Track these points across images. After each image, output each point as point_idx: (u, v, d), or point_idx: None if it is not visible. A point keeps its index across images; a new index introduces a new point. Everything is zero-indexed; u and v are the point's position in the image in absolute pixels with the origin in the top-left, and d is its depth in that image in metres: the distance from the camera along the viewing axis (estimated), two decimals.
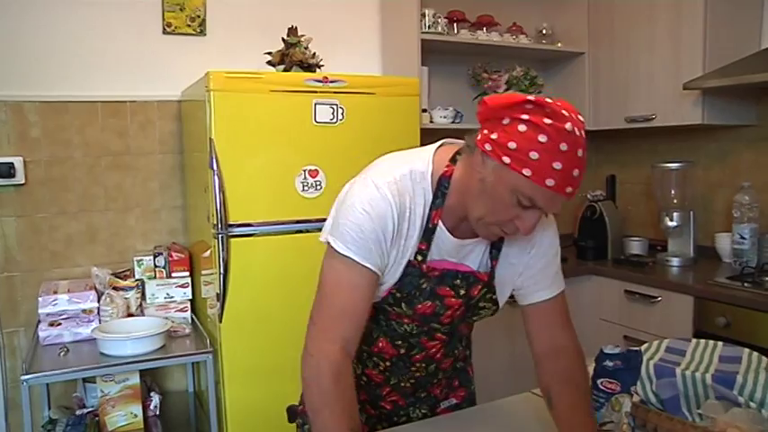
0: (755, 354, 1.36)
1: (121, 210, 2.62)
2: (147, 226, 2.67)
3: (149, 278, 2.44)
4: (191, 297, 2.45)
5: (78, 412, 2.25)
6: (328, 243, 1.21)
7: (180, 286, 2.43)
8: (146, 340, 2.09)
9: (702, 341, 1.45)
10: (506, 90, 3.06)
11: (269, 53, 2.50)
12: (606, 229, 3.09)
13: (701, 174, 3.07)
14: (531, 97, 1.08)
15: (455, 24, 3.10)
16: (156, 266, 2.46)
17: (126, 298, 2.34)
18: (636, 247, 3.13)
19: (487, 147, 1.09)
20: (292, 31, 2.49)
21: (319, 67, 2.47)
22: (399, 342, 1.34)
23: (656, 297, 2.63)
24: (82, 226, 2.56)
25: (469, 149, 1.16)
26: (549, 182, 1.05)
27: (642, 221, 3.40)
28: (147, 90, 2.64)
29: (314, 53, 2.46)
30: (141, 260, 2.46)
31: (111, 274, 2.42)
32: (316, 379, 1.16)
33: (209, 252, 2.21)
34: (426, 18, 2.86)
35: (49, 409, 2.40)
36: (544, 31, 3.34)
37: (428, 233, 1.22)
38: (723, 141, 3.00)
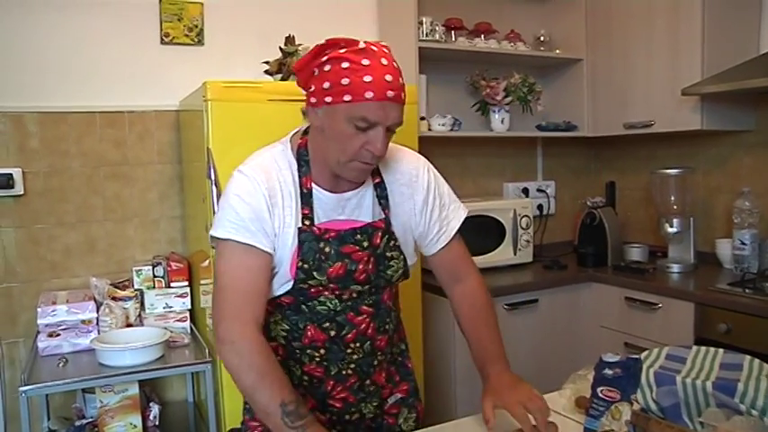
0: (757, 361, 1.35)
1: (120, 220, 2.63)
2: (146, 236, 2.67)
3: (148, 288, 2.44)
4: (190, 307, 2.45)
5: (78, 423, 2.24)
6: (212, 237, 1.29)
7: (179, 296, 2.43)
8: (145, 350, 2.09)
9: (703, 348, 1.45)
10: (505, 98, 3.06)
11: (266, 62, 2.51)
12: (606, 235, 3.08)
13: (700, 179, 3.08)
14: (323, 41, 1.23)
15: (453, 32, 3.11)
16: (155, 276, 2.46)
17: (125, 308, 2.34)
18: (636, 253, 3.12)
19: (312, 99, 1.25)
20: (290, 40, 2.50)
21: None
22: (327, 324, 1.37)
23: (657, 304, 2.63)
24: (80, 236, 2.56)
25: (305, 115, 1.31)
26: (368, 94, 1.18)
27: (642, 228, 3.40)
28: (145, 100, 2.64)
29: None
30: (140, 270, 2.46)
31: (110, 285, 2.42)
32: (246, 359, 1.22)
33: (207, 262, 2.21)
34: (424, 26, 2.87)
35: (49, 419, 2.40)
36: (542, 38, 3.35)
37: (305, 197, 1.32)
38: (722, 147, 3.01)
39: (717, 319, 2.38)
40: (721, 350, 1.43)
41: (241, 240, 1.25)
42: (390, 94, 1.19)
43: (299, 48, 2.46)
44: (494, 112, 3.12)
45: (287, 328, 1.38)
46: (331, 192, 1.34)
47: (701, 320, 2.45)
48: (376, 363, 1.44)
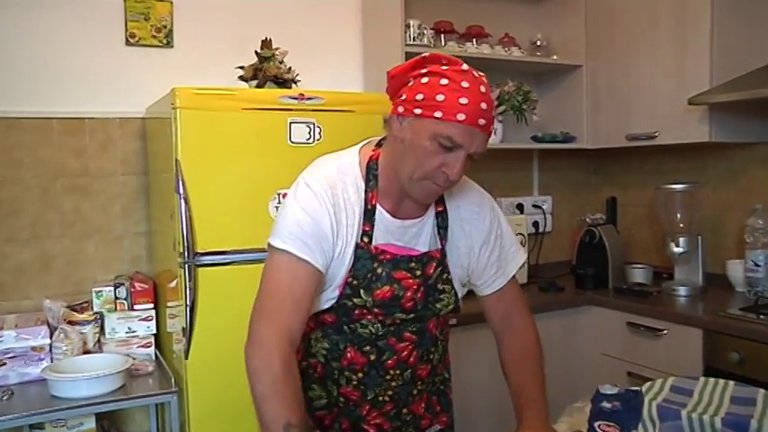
0: None
1: (79, 236, 2.61)
2: (108, 254, 2.66)
3: (109, 311, 2.42)
4: (155, 331, 2.43)
5: None
6: (269, 245, 1.36)
7: (143, 320, 2.41)
8: (103, 380, 2.07)
9: (712, 380, 1.45)
10: (497, 107, 3.08)
11: (241, 67, 2.51)
12: (607, 255, 3.10)
13: (709, 195, 3.09)
14: (425, 54, 1.31)
15: (442, 36, 3.13)
16: (116, 298, 2.44)
17: (82, 333, 2.31)
18: (639, 275, 3.14)
19: (399, 109, 1.31)
20: (266, 43, 2.50)
21: (295, 83, 2.49)
22: (368, 348, 1.42)
23: (662, 330, 2.64)
24: (34, 254, 2.53)
25: (388, 124, 1.37)
26: (461, 116, 1.24)
27: (646, 247, 3.41)
28: (108, 106, 2.64)
29: (289, 67, 2.48)
30: (100, 291, 2.44)
31: (67, 307, 2.39)
32: (267, 367, 1.28)
33: (175, 282, 2.20)
34: (411, 29, 2.89)
35: None
36: (539, 43, 3.37)
37: (369, 215, 1.38)
38: (733, 160, 3.03)
39: (728, 348, 2.38)
40: (732, 382, 1.43)
41: (297, 254, 1.32)
42: (482, 122, 1.26)
43: (277, 52, 2.47)
44: None
45: (327, 347, 1.45)
46: (393, 215, 1.40)
47: (711, 349, 2.45)
48: (416, 392, 1.49)
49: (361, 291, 1.38)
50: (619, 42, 3.12)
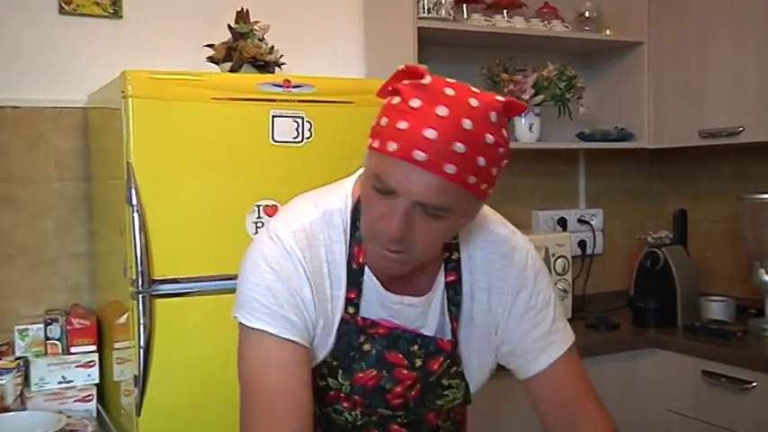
0: None
1: None
2: (37, 282, 2.67)
3: (37, 355, 2.44)
4: (97, 381, 2.46)
5: None
6: (238, 322, 1.32)
7: (82, 365, 2.44)
8: None
9: None
10: (534, 96, 3.12)
11: (210, 46, 2.52)
12: (674, 284, 3.11)
13: None
14: (403, 66, 1.22)
15: (465, 7, 3.18)
16: (48, 339, 2.46)
17: (0, 385, 2.32)
18: (717, 309, 3.13)
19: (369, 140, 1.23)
20: (242, 15, 2.51)
21: (279, 67, 2.51)
22: None
23: (750, 382, 2.64)
24: None
25: None
26: (391, 146, 1.14)
27: (726, 274, 3.43)
28: (38, 92, 2.65)
29: (272, 47, 2.49)
30: (26, 330, 2.46)
31: None
32: None
33: (125, 317, 2.22)
34: None
35: None
36: (587, 14, 3.40)
37: (354, 276, 1.33)
38: None
39: None
40: None
41: (276, 333, 1.27)
42: (420, 156, 1.12)
43: (256, 27, 2.49)
44: (519, 115, 3.17)
45: None
46: (383, 285, 1.35)
47: None
48: None
49: (340, 372, 1.35)
50: (692, 14, 3.14)
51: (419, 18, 2.88)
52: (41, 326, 2.48)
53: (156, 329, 2.14)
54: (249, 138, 2.24)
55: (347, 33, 3.15)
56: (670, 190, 3.71)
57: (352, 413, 1.38)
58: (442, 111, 1.13)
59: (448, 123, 1.12)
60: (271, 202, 2.26)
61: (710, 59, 3.08)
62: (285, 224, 1.33)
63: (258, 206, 2.24)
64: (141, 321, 2.13)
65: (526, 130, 3.19)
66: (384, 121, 1.18)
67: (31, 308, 2.65)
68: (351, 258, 1.33)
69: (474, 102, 1.16)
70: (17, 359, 2.42)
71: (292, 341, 1.27)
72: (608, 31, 3.41)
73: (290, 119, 2.27)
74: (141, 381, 2.13)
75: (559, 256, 3.11)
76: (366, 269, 1.33)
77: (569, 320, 3.03)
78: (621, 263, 3.68)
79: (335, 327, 1.33)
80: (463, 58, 3.27)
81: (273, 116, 2.25)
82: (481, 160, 1.15)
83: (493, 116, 1.17)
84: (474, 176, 1.16)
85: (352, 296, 1.33)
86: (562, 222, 3.58)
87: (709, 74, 3.09)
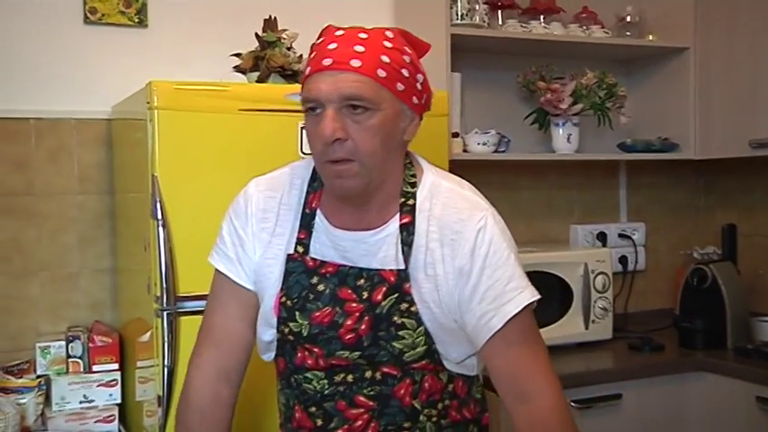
0: None
1: (18, 274, 2.65)
2: (58, 297, 2.69)
3: (58, 373, 2.46)
4: (119, 401, 2.48)
5: None
6: None
7: (104, 385, 2.46)
8: None
9: None
10: (572, 105, 3.11)
11: (237, 55, 2.54)
12: (723, 303, 3.07)
13: None
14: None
15: (500, 13, 3.17)
16: (69, 356, 2.48)
17: (20, 404, 2.33)
18: None
19: None
20: (270, 23, 2.53)
21: None
22: (313, 409, 1.51)
23: None
24: None
25: None
26: (307, 70, 1.42)
27: None
28: (62, 104, 2.69)
29: (300, 56, 2.49)
30: (47, 348, 2.48)
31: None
32: (181, 415, 1.58)
33: (148, 335, 2.24)
34: (459, 5, 2.93)
35: None
36: (629, 19, 3.39)
37: (306, 219, 1.53)
38: None
39: None
40: None
41: (222, 271, 1.58)
42: (327, 62, 1.39)
43: (284, 35, 2.51)
44: (557, 125, 3.18)
45: (283, 401, 1.62)
46: (335, 225, 1.52)
47: None
48: None
49: (297, 314, 1.49)
50: (742, 17, 3.12)
51: (452, 25, 2.89)
52: (63, 343, 2.50)
53: (181, 348, 2.14)
54: (277, 150, 2.22)
55: None
56: (717, 203, 3.68)
57: (321, 381, 1.50)
58: (339, 32, 1.43)
59: (347, 36, 1.41)
60: None
61: (762, 65, 3.06)
62: (260, 177, 1.63)
63: None
64: (165, 340, 2.14)
65: (564, 141, 3.17)
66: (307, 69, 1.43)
67: (52, 324, 2.68)
68: (305, 204, 1.53)
69: (371, 30, 1.45)
70: (38, 378, 2.44)
71: (232, 280, 1.55)
72: (651, 37, 3.40)
73: None
74: (165, 401, 2.14)
75: (599, 273, 3.09)
76: (318, 212, 1.52)
77: (610, 341, 3.07)
78: (665, 280, 3.66)
79: (280, 263, 1.51)
80: (498, 66, 3.29)
81: (302, 127, 2.24)
82: (384, 58, 1.39)
83: (388, 33, 1.45)
84: (382, 70, 1.38)
85: (302, 236, 1.52)
86: (602, 237, 3.56)
87: (761, 80, 3.06)
